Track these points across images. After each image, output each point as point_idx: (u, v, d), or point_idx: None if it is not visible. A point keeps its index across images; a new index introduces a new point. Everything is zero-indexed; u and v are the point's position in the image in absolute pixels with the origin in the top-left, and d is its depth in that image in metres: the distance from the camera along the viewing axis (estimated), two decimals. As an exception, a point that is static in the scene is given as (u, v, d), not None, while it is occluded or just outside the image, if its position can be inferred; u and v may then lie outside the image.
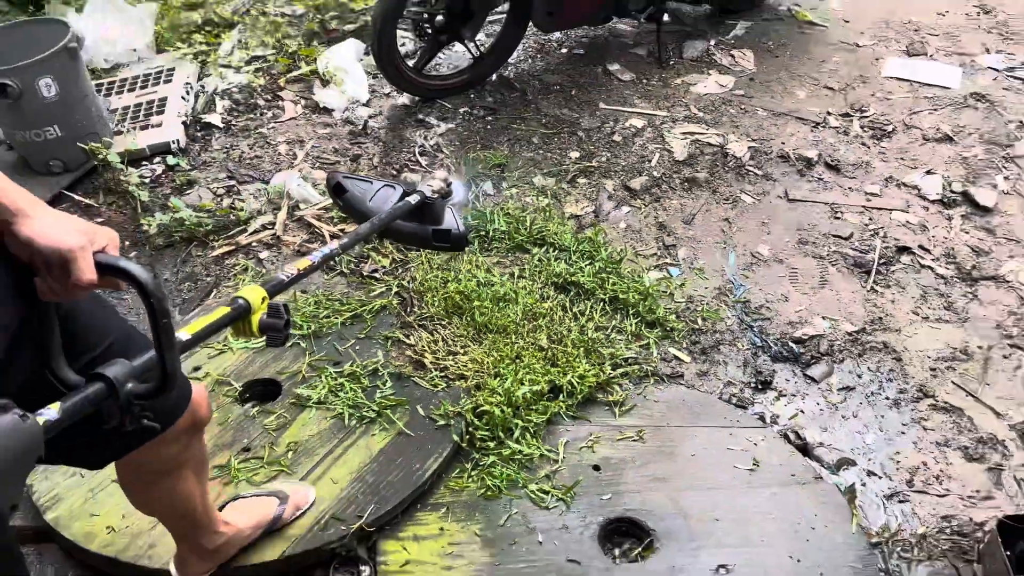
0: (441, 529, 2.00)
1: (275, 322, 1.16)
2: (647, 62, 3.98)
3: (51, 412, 0.91)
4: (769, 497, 2.09)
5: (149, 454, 1.39)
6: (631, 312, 2.61)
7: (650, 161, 3.34)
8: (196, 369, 2.32)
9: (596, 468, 2.15)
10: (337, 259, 2.79)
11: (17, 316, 1.07)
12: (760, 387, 2.46)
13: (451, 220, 1.70)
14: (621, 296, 2.63)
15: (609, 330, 2.54)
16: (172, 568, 1.83)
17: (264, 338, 1.18)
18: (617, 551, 2.02)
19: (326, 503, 2.00)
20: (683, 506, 2.06)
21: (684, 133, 3.48)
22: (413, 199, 1.64)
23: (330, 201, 3.03)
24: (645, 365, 2.45)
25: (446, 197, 1.70)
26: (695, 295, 2.75)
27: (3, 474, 0.82)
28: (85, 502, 1.97)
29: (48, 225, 1.02)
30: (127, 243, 2.96)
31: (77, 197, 3.13)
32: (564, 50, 4.10)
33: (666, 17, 3.96)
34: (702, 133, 3.48)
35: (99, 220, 3.04)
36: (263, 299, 1.17)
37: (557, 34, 4.15)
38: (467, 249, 2.76)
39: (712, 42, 4.12)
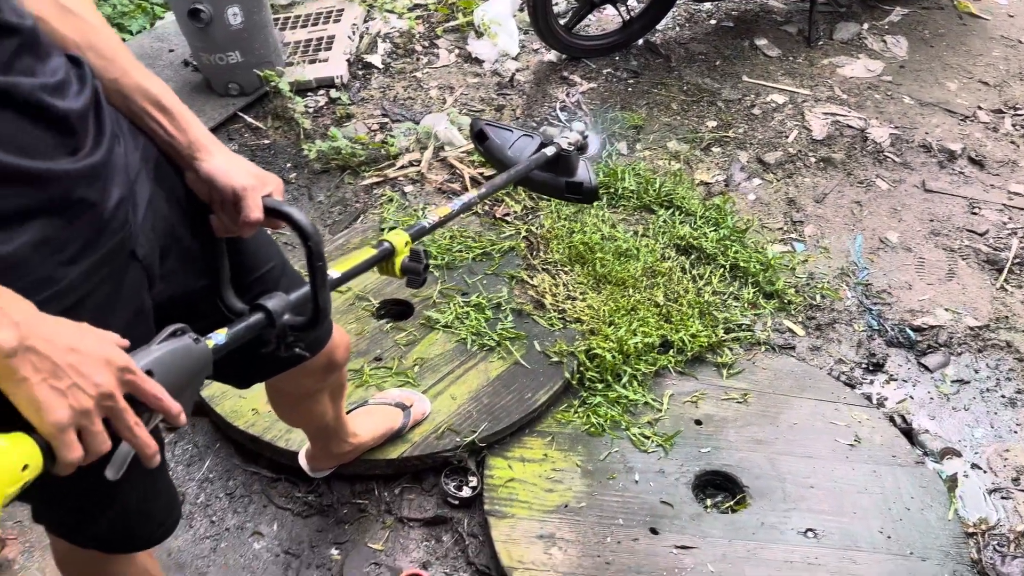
0: (545, 455, 2.09)
1: (415, 265, 1.23)
2: (795, 40, 3.89)
3: (219, 336, 0.99)
4: (867, 473, 2.08)
5: (288, 382, 1.48)
6: (750, 281, 2.62)
7: (787, 137, 3.30)
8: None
9: (698, 422, 2.18)
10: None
11: (188, 236, 1.13)
12: (871, 368, 2.44)
13: (584, 173, 1.72)
14: (742, 264, 2.64)
15: (726, 296, 2.56)
16: (301, 458, 2.00)
17: (405, 279, 1.25)
18: (709, 501, 2.06)
19: (443, 416, 2.11)
20: (780, 469, 2.08)
21: (825, 113, 3.41)
22: (549, 151, 1.66)
23: (472, 146, 3.17)
24: (758, 333, 2.47)
25: (581, 150, 1.72)
26: (816, 272, 2.74)
27: (181, 388, 0.90)
28: (238, 384, 2.19)
29: (225, 164, 1.09)
30: (289, 165, 3.17)
31: (248, 119, 3.34)
32: (713, 21, 4.05)
33: (821, -4, 3.87)
34: (843, 115, 3.41)
35: (265, 142, 3.27)
36: (406, 243, 1.24)
37: (707, 4, 4.10)
38: (595, 204, 2.84)
39: (865, 26, 3.98)
